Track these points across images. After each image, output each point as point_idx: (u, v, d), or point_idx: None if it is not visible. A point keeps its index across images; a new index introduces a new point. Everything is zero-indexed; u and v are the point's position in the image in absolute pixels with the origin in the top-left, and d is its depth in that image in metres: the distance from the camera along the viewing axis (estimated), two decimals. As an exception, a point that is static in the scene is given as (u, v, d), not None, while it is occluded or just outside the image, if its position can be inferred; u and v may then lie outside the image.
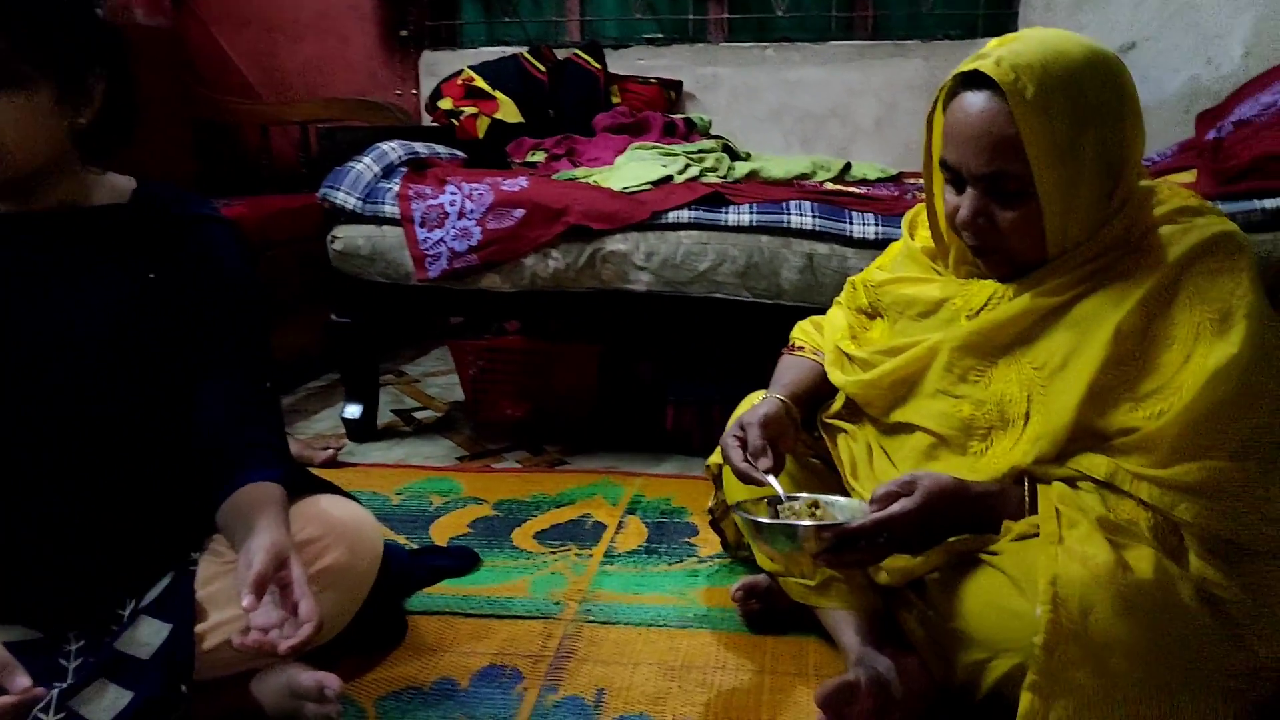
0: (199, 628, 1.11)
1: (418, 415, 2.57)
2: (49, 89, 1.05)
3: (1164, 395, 1.06)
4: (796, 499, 1.23)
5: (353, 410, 2.34)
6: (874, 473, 1.30)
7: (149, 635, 1.09)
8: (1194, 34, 2.87)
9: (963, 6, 3.15)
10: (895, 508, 1.09)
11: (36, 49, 1.04)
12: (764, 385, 1.43)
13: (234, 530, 1.08)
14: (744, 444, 1.26)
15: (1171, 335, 1.08)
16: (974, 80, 1.12)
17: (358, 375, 2.34)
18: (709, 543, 1.70)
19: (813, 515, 1.20)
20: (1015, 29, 3.02)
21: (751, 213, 2.00)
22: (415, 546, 1.72)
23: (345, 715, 1.21)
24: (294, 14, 3.58)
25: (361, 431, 2.34)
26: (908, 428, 1.27)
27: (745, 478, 1.23)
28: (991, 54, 1.11)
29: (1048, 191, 1.09)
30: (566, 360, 2.36)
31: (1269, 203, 1.75)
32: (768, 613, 1.44)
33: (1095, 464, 1.09)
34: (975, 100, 1.11)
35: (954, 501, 1.10)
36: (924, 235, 1.34)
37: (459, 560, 1.66)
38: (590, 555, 1.69)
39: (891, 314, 1.35)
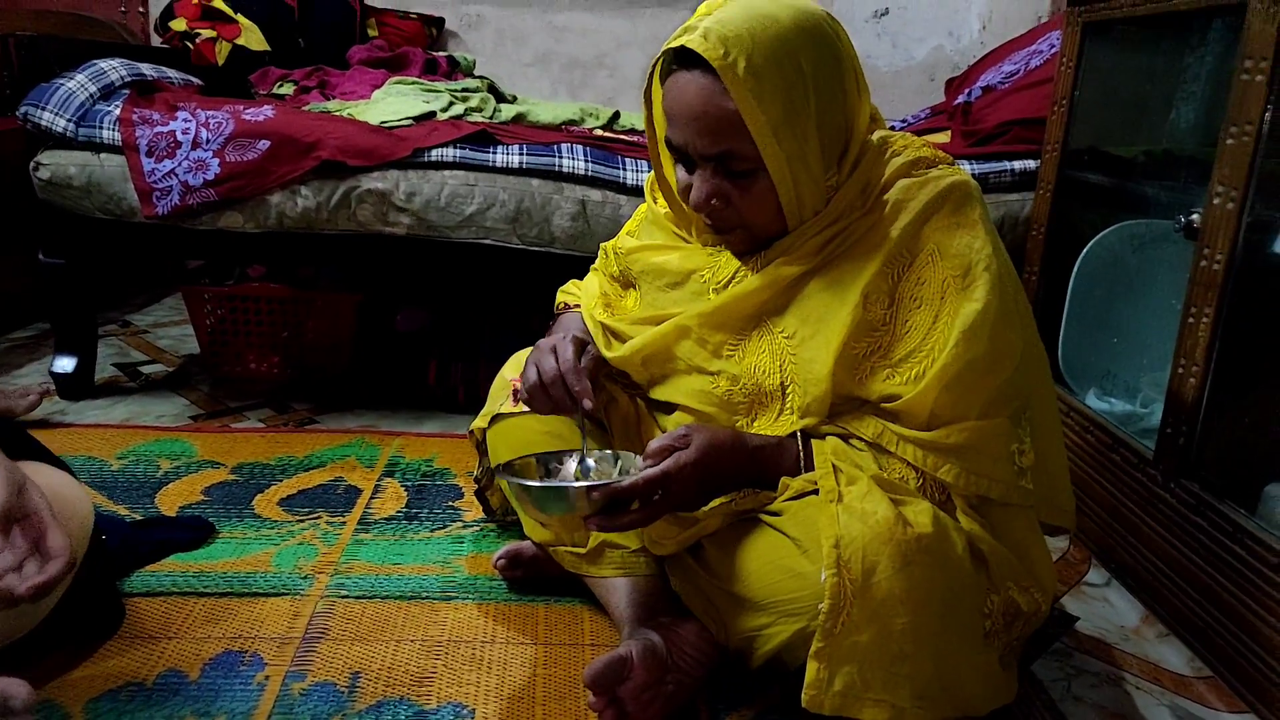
0: None
1: (145, 370, 2.29)
2: None
3: (918, 359, 1.06)
4: (568, 453, 1.17)
5: (64, 364, 2.04)
6: (643, 440, 1.25)
7: None
8: (938, 7, 3.03)
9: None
10: (670, 461, 1.04)
11: None
12: (533, 342, 1.35)
13: None
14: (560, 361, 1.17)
15: (918, 295, 1.08)
16: (687, 55, 1.06)
17: (71, 324, 2.05)
18: (475, 506, 1.60)
19: (585, 472, 1.14)
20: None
21: (521, 154, 1.89)
22: (138, 518, 1.51)
23: (44, 723, 1.03)
24: (-8, -93, 3.08)
25: (75, 388, 2.05)
26: (670, 406, 1.23)
27: (556, 386, 1.14)
28: (699, 26, 1.05)
29: (777, 168, 1.06)
30: (319, 310, 2.17)
31: (1018, 164, 1.84)
32: (536, 580, 1.37)
33: (863, 425, 1.09)
34: (690, 80, 1.05)
35: (731, 454, 1.07)
36: (665, 200, 1.28)
37: (190, 532, 1.47)
38: (343, 523, 1.55)
39: (643, 283, 1.30)
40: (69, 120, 1.90)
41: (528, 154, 1.89)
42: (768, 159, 1.05)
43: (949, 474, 1.04)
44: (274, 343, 2.19)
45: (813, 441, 1.10)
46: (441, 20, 3.11)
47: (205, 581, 1.35)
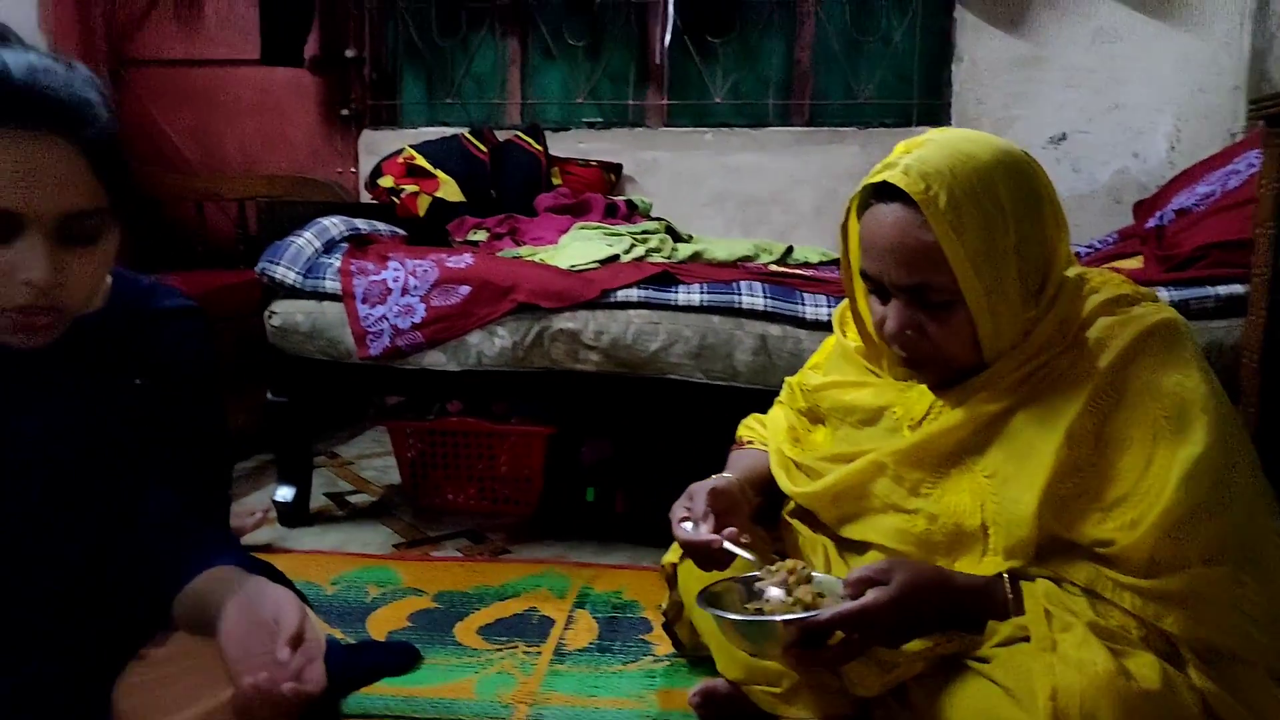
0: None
1: (352, 499, 2.46)
2: (117, 230, 0.98)
3: (1133, 503, 1.03)
4: (769, 573, 1.16)
5: (285, 493, 2.22)
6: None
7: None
8: (1121, 129, 2.99)
9: (897, 95, 3.23)
10: (869, 597, 1.03)
11: (119, 197, 0.96)
12: (719, 471, 1.38)
13: (200, 608, 0.99)
14: (691, 514, 1.20)
15: (1128, 436, 1.05)
16: (885, 190, 1.10)
17: (292, 457, 2.24)
18: (665, 640, 1.62)
19: (786, 584, 1.13)
20: (949, 119, 3.11)
21: (702, 292, 1.98)
22: (351, 641, 1.61)
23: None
24: (235, 92, 3.53)
25: (294, 516, 2.22)
26: (862, 545, 1.22)
27: (691, 547, 1.17)
28: (899, 162, 1.09)
29: (975, 300, 1.07)
30: (512, 443, 2.29)
31: (1222, 289, 1.78)
32: (731, 718, 1.37)
33: (1075, 570, 1.05)
34: (889, 212, 1.09)
35: (934, 594, 1.05)
36: (856, 333, 1.30)
37: (399, 657, 1.55)
38: (539, 653, 1.60)
39: (832, 419, 1.31)
40: (298, 273, 2.13)
41: (708, 292, 1.97)
42: (966, 291, 1.07)
43: (1173, 624, 0.99)
44: (470, 474, 2.32)
45: (1022, 584, 1.06)
46: (619, 166, 3.30)
47: (414, 706, 1.41)
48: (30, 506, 1.02)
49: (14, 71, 0.91)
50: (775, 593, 1.15)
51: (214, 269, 3.07)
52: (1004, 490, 1.09)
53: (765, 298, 1.96)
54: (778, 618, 1.06)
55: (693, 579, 1.34)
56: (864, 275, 1.15)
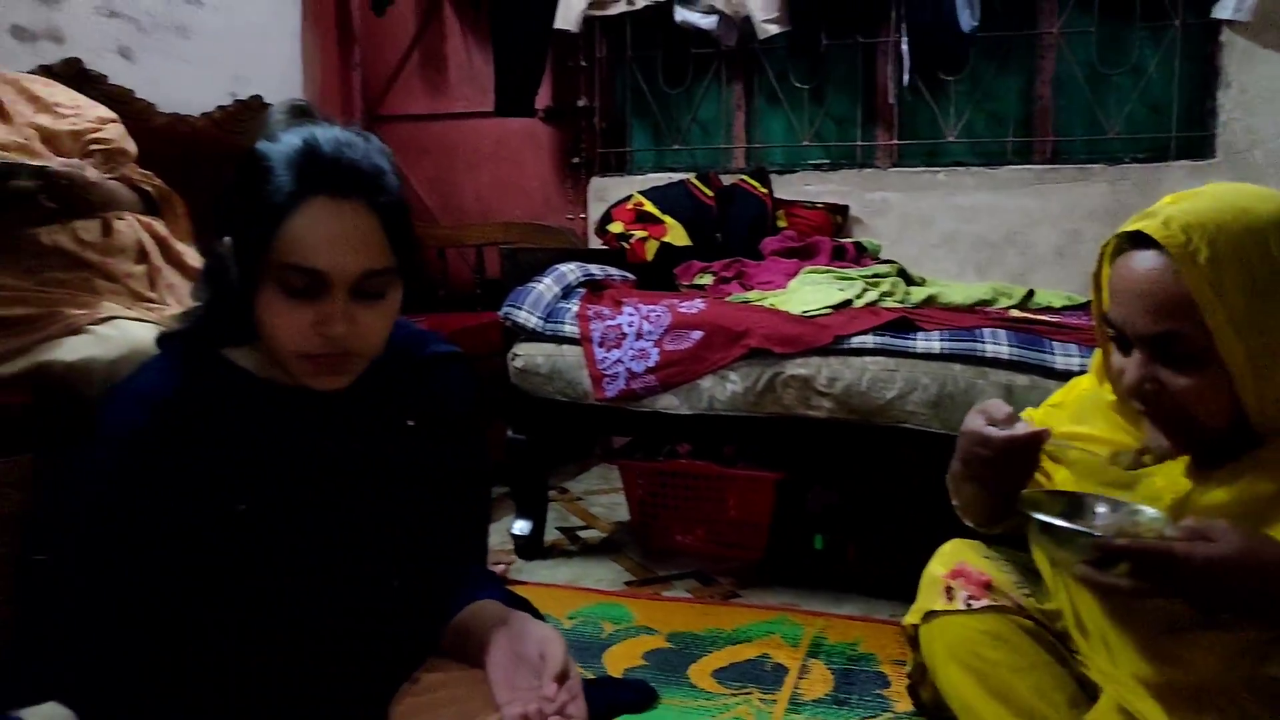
0: (396, 761, 1.07)
1: (582, 534, 2.54)
2: (401, 285, 1.07)
3: None
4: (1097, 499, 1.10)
5: (522, 527, 2.32)
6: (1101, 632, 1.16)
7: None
8: None
9: (1150, 129, 3.03)
10: (1182, 547, 0.94)
11: (405, 256, 1.05)
12: (959, 529, 1.33)
13: (466, 640, 1.07)
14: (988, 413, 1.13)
15: None
16: (1143, 238, 1.02)
17: (529, 492, 2.34)
18: (904, 697, 1.56)
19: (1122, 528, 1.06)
20: (1213, 152, 2.88)
21: (942, 339, 1.92)
22: (590, 675, 1.65)
23: None
24: (474, 144, 3.78)
25: (530, 549, 2.32)
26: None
27: (1008, 444, 1.09)
28: (1161, 212, 1.02)
29: (1236, 364, 0.98)
30: (741, 487, 2.30)
31: None
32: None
33: None
34: (1142, 258, 1.02)
35: (1264, 575, 0.94)
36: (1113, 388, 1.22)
37: (638, 695, 1.57)
38: (774, 701, 1.59)
39: (1077, 471, 1.23)
40: (539, 317, 2.24)
41: (948, 339, 1.92)
42: (1225, 354, 0.98)
43: None
44: (698, 516, 2.34)
45: None
46: (846, 208, 3.27)
47: (653, 746, 1.44)
48: (323, 536, 1.12)
49: (324, 145, 1.02)
50: (1102, 510, 1.08)
51: (455, 311, 3.27)
52: None
53: (1011, 345, 1.88)
54: (1113, 539, 0.97)
55: (938, 644, 1.30)
56: (1106, 320, 1.09)
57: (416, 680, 1.17)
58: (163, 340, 1.13)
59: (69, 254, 1.64)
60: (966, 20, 2.96)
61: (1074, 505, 1.11)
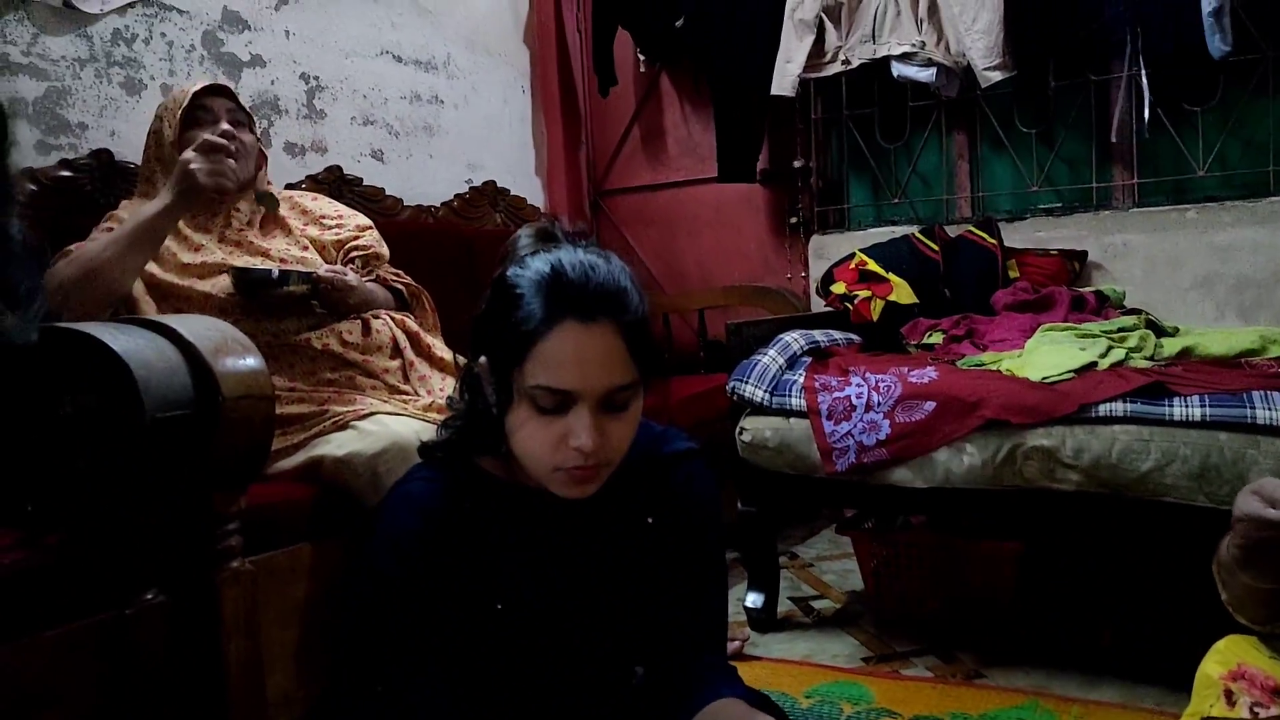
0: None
1: (815, 605, 2.52)
2: (643, 395, 1.14)
3: None
4: None
5: (754, 599, 2.34)
6: None
7: None
8: None
9: None
10: None
11: (647, 368, 1.12)
12: (1227, 616, 1.24)
13: None
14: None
15: None
16: None
17: (760, 564, 2.36)
18: (1177, 796, 1.46)
19: None
20: None
21: (1203, 405, 1.79)
22: (832, 761, 1.65)
23: None
24: (694, 211, 3.89)
25: (763, 621, 2.33)
26: None
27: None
28: None
29: None
30: (980, 558, 2.21)
31: None
32: None
33: None
34: None
35: None
36: None
37: (882, 785, 1.56)
38: (1029, 794, 1.52)
39: None
40: (765, 391, 2.27)
41: (1211, 405, 1.78)
42: None
43: None
44: (935, 588, 2.28)
45: None
46: (1084, 254, 3.11)
47: (902, 841, 1.41)
48: (572, 630, 1.20)
49: (570, 272, 1.10)
50: None
51: (679, 375, 3.36)
52: None
53: (1284, 410, 1.72)
54: None
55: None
56: None
57: (664, 766, 1.22)
58: (424, 450, 1.25)
59: (336, 355, 1.83)
60: (1216, 45, 2.75)
61: None
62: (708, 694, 1.17)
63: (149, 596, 1.31)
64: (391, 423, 1.67)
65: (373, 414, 1.71)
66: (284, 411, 1.69)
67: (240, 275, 1.79)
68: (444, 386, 1.89)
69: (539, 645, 1.18)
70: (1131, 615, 2.04)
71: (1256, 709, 1.17)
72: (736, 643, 2.16)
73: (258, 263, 1.87)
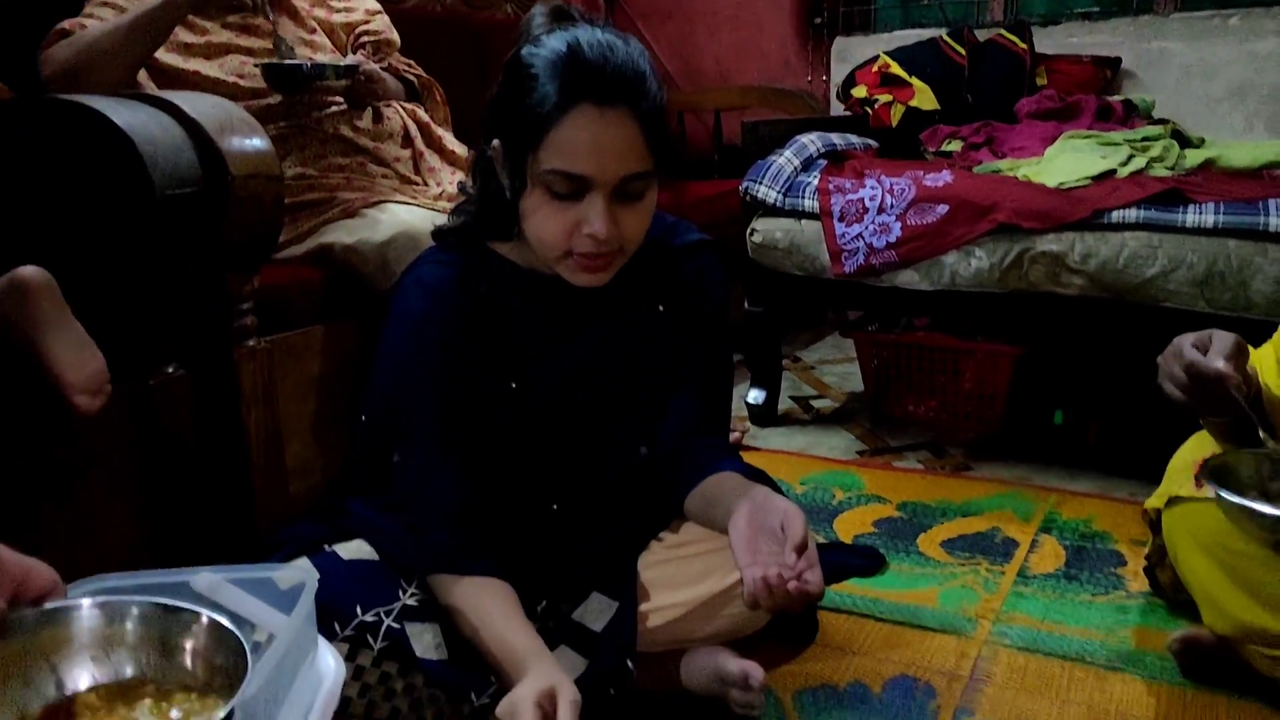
0: (642, 607, 1.22)
1: (815, 404, 2.60)
2: (657, 185, 1.13)
3: None
4: None
5: (757, 395, 2.41)
6: None
7: (599, 610, 1.21)
8: None
9: None
10: None
11: (663, 158, 1.11)
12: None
13: (710, 507, 1.17)
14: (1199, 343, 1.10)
15: None
16: None
17: (764, 362, 2.42)
18: (1139, 576, 1.55)
19: None
20: None
21: (1217, 213, 1.78)
22: (821, 540, 1.75)
23: (765, 705, 1.26)
24: (713, 6, 3.73)
25: (764, 417, 2.41)
26: None
27: (1195, 372, 1.07)
28: None
29: None
30: (978, 360, 2.26)
31: None
32: (1214, 670, 1.30)
33: None
34: None
35: None
36: None
37: (866, 560, 1.66)
38: (1003, 573, 1.62)
39: None
40: (778, 192, 2.25)
41: (1225, 213, 1.77)
42: None
43: None
44: (932, 388, 2.34)
45: None
46: (1118, 61, 3.00)
47: (880, 608, 1.52)
48: (582, 411, 1.25)
49: (587, 52, 1.06)
50: None
51: (693, 179, 3.31)
52: None
53: (1296, 218, 1.71)
54: None
55: (1180, 532, 1.28)
56: None
57: (663, 540, 1.30)
58: (438, 234, 1.27)
59: (347, 140, 1.80)
60: None
61: (1275, 466, 1.05)
62: (708, 469, 1.23)
63: (170, 370, 1.36)
64: (401, 211, 1.68)
65: (382, 202, 1.71)
66: (293, 200, 1.69)
67: (272, 71, 1.70)
68: (454, 180, 1.88)
69: (550, 425, 1.24)
70: (1117, 415, 2.11)
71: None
72: (737, 433, 2.24)
73: (276, 53, 1.79)
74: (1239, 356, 1.12)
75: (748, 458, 2.14)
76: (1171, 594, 1.48)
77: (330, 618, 1.07)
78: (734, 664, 1.19)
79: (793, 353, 3.12)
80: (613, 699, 1.16)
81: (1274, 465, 1.08)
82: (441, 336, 1.17)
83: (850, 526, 1.81)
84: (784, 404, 2.57)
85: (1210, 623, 1.27)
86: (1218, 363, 1.07)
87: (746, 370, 2.46)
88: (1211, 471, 1.08)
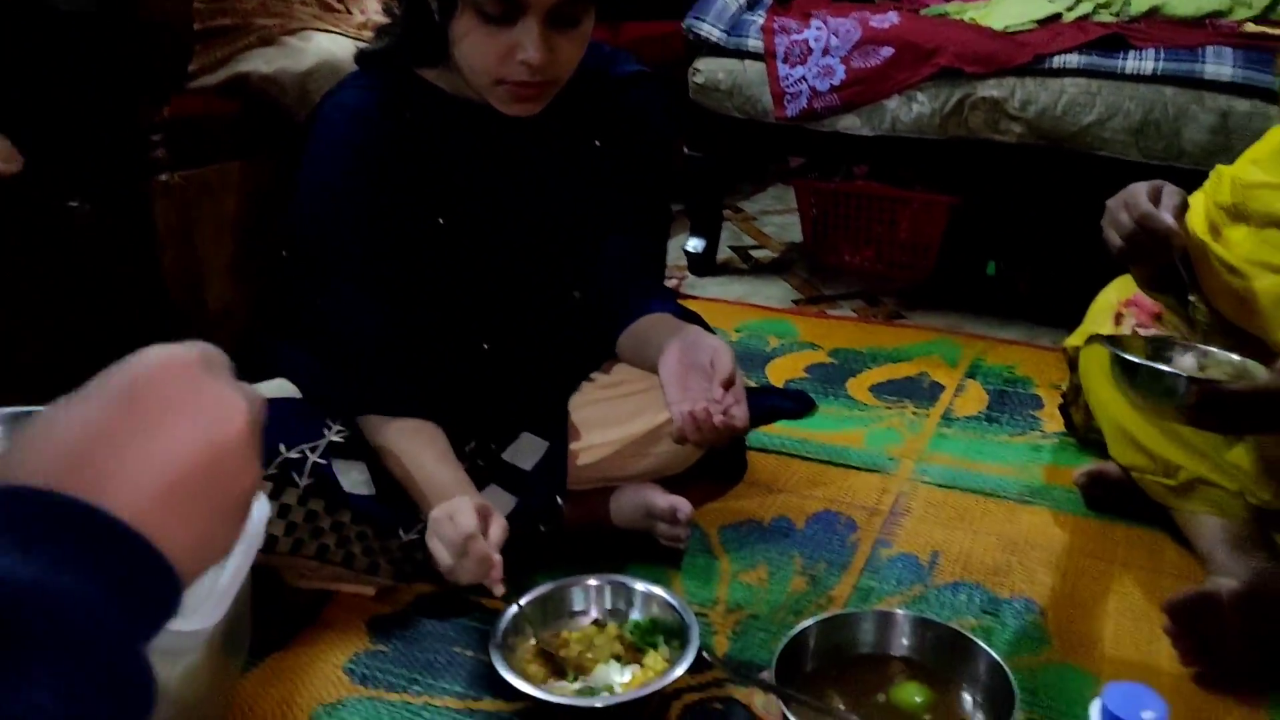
0: (573, 446, 1.23)
1: (755, 254, 2.60)
2: (594, 11, 1.07)
3: None
4: (1182, 345, 1.09)
5: (695, 244, 2.40)
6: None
7: (530, 449, 1.22)
8: None
9: None
10: None
11: None
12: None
13: (642, 346, 1.18)
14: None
15: None
16: None
17: (703, 210, 2.39)
18: (1055, 418, 1.61)
19: (1200, 368, 1.07)
20: None
21: (1157, 59, 1.76)
22: (753, 384, 1.77)
23: (691, 538, 1.30)
24: None
25: (702, 265, 2.41)
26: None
27: (1144, 222, 1.06)
28: None
29: None
30: (914, 210, 2.27)
31: None
32: (1116, 502, 1.37)
33: None
34: None
35: None
36: None
37: (796, 403, 1.68)
38: (927, 415, 1.67)
39: (1256, 221, 1.15)
40: (723, 30, 2.18)
41: (1164, 60, 1.76)
42: None
43: None
44: (869, 237, 2.35)
45: None
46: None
47: (807, 448, 1.56)
48: (513, 248, 1.22)
49: None
50: (1187, 361, 1.08)
51: (634, 19, 3.18)
52: None
53: (1235, 66, 1.71)
54: (1184, 374, 1.00)
55: (1096, 368, 1.32)
56: None
57: (595, 380, 1.31)
58: (361, 58, 1.20)
59: (262, -36, 1.69)
60: None
61: (1155, 348, 1.08)
62: (642, 309, 1.22)
63: (77, 204, 1.30)
64: (323, 40, 1.59)
65: (302, 30, 1.62)
66: (204, 25, 1.59)
67: None
68: (379, 8, 1.78)
69: (480, 262, 1.21)
70: (1049, 266, 2.14)
71: (1138, 329, 1.26)
72: (674, 281, 2.24)
73: None
74: (1184, 207, 1.13)
75: (684, 305, 2.16)
76: (1083, 432, 1.55)
77: (252, 456, 1.06)
78: (662, 499, 1.22)
79: (734, 203, 3.09)
80: (542, 535, 1.18)
81: (1158, 348, 1.10)
82: (364, 164, 1.12)
83: (782, 372, 1.84)
84: (723, 253, 2.56)
85: (1116, 454, 1.33)
86: (1168, 218, 1.08)
87: (686, 219, 2.44)
88: (1108, 340, 1.10)
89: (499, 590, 1.01)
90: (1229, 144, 1.69)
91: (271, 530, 1.08)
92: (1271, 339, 1.11)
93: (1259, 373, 1.00)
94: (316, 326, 1.17)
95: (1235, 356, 1.07)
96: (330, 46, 1.56)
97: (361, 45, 1.51)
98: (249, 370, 1.18)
